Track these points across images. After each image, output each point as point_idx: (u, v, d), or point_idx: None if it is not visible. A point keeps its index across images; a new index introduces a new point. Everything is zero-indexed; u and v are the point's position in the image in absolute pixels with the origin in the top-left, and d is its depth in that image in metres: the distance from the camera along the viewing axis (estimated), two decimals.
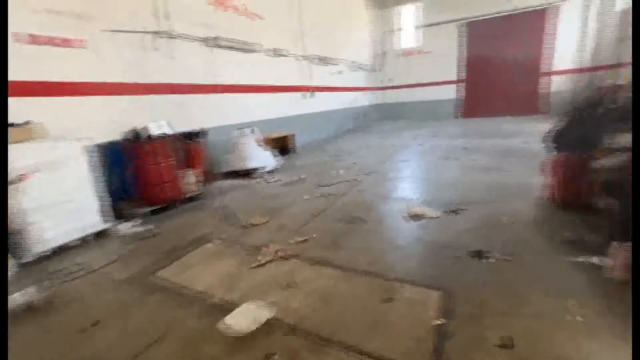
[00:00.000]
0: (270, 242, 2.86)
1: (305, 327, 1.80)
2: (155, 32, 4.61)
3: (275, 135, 6.68)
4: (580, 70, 11.24)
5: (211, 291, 2.20)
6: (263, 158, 5.48)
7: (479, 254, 2.43)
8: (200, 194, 4.40)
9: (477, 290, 2.01)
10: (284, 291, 2.15)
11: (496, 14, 11.85)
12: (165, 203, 3.97)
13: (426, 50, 13.32)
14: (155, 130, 3.96)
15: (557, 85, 11.59)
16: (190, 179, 4.31)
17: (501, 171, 4.76)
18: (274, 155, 5.86)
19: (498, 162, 5.30)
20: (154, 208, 3.86)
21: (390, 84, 14.32)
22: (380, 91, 14.47)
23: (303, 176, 5.14)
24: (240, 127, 5.63)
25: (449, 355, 1.56)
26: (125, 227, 3.44)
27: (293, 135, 7.30)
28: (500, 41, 12.15)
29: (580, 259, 2.27)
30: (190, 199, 4.27)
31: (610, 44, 10.60)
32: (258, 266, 2.47)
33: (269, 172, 5.57)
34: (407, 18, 13.50)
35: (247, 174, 5.40)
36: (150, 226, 3.48)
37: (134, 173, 3.93)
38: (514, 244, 2.60)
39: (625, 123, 2.49)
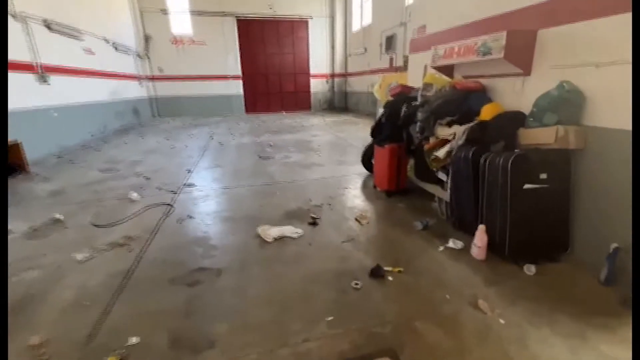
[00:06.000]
0: None
1: None
2: None
3: None
4: (330, 76, 14.11)
5: None
6: None
7: (375, 274, 2.05)
8: None
9: (414, 332, 1.58)
10: None
11: (259, 16, 12.50)
12: None
13: (198, 41, 12.18)
14: None
15: (315, 86, 14.01)
16: None
17: (318, 166, 4.82)
18: None
19: (309, 157, 5.40)
20: None
21: (161, 74, 12.10)
22: (151, 83, 11.95)
23: (59, 215, 3.00)
24: None
25: None
26: None
27: (19, 145, 4.32)
28: (271, 43, 13.06)
29: (442, 248, 2.39)
30: None
31: (342, 58, 13.96)
32: None
33: None
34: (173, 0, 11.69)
35: None
36: None
37: None
38: (388, 250, 2.44)
39: (439, 117, 2.86)
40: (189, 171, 4.58)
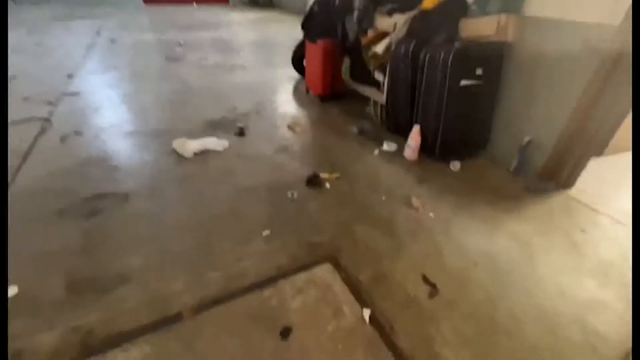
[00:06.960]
0: None
1: None
2: None
3: None
4: None
5: None
6: None
7: (312, 182, 1.93)
8: None
9: (352, 236, 1.56)
10: None
11: None
12: None
13: None
14: None
15: None
16: None
17: (242, 69, 4.17)
18: None
19: (230, 58, 4.62)
20: None
21: None
22: None
23: None
24: None
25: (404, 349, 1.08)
26: None
27: None
28: None
29: (377, 151, 2.34)
30: None
31: None
32: None
33: None
34: None
35: None
36: None
37: None
38: (324, 157, 2.30)
39: (379, 4, 2.47)
40: (70, 76, 3.53)
